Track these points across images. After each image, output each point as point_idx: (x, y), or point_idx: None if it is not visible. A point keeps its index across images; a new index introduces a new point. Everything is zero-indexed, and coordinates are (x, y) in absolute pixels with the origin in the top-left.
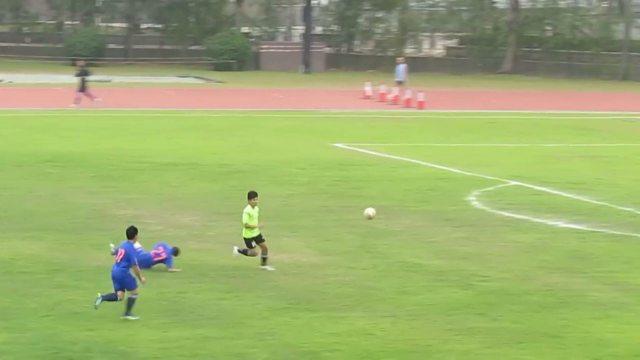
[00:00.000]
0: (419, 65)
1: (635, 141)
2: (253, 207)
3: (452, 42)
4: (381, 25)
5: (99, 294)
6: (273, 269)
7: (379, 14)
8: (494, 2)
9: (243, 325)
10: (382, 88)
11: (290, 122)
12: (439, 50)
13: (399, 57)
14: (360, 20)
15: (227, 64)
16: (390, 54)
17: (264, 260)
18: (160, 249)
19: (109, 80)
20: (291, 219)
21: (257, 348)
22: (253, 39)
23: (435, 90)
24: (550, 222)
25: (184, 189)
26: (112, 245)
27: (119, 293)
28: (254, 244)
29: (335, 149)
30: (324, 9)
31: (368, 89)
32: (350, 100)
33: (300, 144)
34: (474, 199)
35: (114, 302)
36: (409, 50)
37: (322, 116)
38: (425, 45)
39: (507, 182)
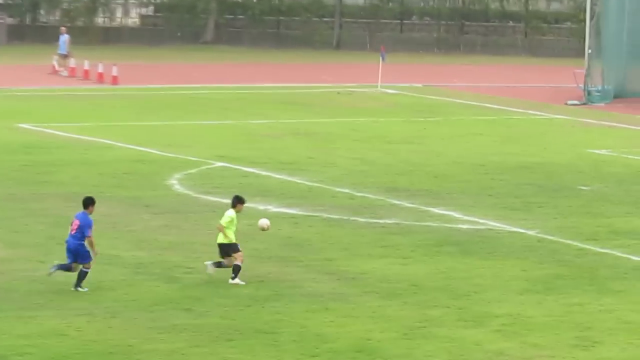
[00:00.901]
0: (112, 36)
1: (351, 116)
2: (237, 213)
3: (147, 10)
4: None
5: (56, 262)
6: (243, 283)
7: None
8: None
9: None
10: (71, 62)
11: None
12: (133, 19)
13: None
14: None
15: None
16: (79, 24)
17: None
18: None
19: None
20: None
21: None
22: None
23: (130, 64)
24: (260, 207)
25: None
26: None
27: (73, 265)
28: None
29: (21, 131)
30: None
31: (56, 63)
32: (37, 76)
33: None
34: (175, 183)
35: None
36: (100, 20)
37: (5, 94)
38: (119, 14)
39: (212, 164)
